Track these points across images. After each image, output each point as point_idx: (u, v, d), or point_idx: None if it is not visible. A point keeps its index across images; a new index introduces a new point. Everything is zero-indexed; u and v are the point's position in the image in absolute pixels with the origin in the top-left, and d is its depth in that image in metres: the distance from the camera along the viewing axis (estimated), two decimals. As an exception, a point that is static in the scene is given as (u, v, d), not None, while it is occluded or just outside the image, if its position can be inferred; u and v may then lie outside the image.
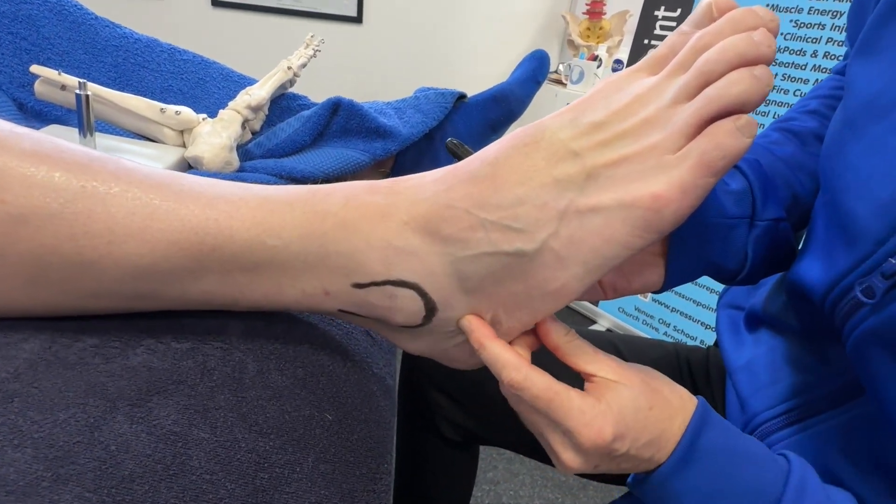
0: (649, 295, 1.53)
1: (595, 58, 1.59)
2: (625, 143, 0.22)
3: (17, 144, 0.22)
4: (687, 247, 0.33)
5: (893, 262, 0.24)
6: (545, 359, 0.28)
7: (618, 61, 1.60)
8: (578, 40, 1.68)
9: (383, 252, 0.24)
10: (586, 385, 0.27)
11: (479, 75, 1.86)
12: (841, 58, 1.12)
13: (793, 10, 1.15)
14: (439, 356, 0.29)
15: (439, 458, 0.58)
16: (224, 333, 0.27)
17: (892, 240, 0.25)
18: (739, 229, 0.34)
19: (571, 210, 0.23)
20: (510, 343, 0.27)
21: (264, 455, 0.22)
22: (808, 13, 1.13)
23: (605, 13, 1.69)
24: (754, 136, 0.21)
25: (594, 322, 1.74)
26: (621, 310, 1.63)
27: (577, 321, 1.75)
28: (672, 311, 1.49)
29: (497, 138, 0.64)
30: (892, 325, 0.25)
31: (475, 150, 0.63)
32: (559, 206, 0.23)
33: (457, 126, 0.54)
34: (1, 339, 0.23)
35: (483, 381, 0.49)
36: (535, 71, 0.54)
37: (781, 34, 1.17)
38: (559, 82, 1.69)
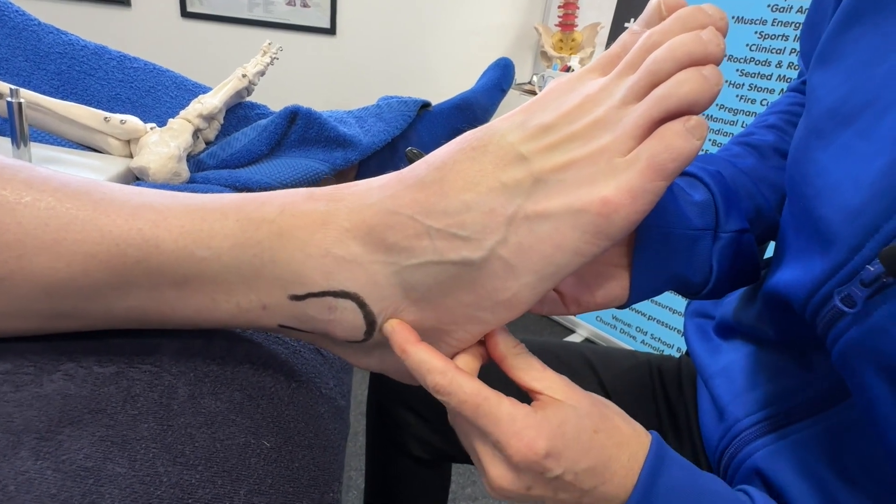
0: (626, 304, 1.53)
1: (568, 69, 1.60)
2: (574, 146, 0.21)
3: None
4: (651, 259, 0.32)
5: (871, 269, 0.24)
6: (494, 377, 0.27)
7: (590, 72, 1.62)
8: (551, 52, 1.69)
9: (322, 261, 0.22)
10: (532, 404, 0.25)
11: (453, 87, 1.86)
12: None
13: (757, 22, 1.17)
14: (393, 373, 0.27)
15: (409, 477, 0.56)
16: (155, 354, 0.25)
17: (868, 246, 0.24)
18: (703, 241, 0.33)
19: (520, 216, 0.21)
20: (457, 354, 0.25)
21: (188, 489, 0.20)
22: (772, 25, 1.15)
23: (577, 25, 1.71)
24: (704, 137, 0.20)
25: (572, 332, 1.73)
26: (599, 318, 1.63)
27: (556, 331, 1.74)
28: (649, 319, 1.50)
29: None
30: (877, 335, 0.24)
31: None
32: (507, 212, 0.21)
33: (421, 135, 0.53)
34: None
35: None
36: (499, 79, 0.53)
37: (747, 45, 1.19)
38: (532, 93, 1.70)
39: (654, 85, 0.20)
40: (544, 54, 1.72)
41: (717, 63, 0.20)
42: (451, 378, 0.23)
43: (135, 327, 0.24)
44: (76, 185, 0.22)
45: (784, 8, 1.13)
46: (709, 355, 0.42)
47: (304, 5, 1.67)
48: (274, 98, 1.83)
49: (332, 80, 1.79)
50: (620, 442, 0.25)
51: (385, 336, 0.24)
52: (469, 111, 0.53)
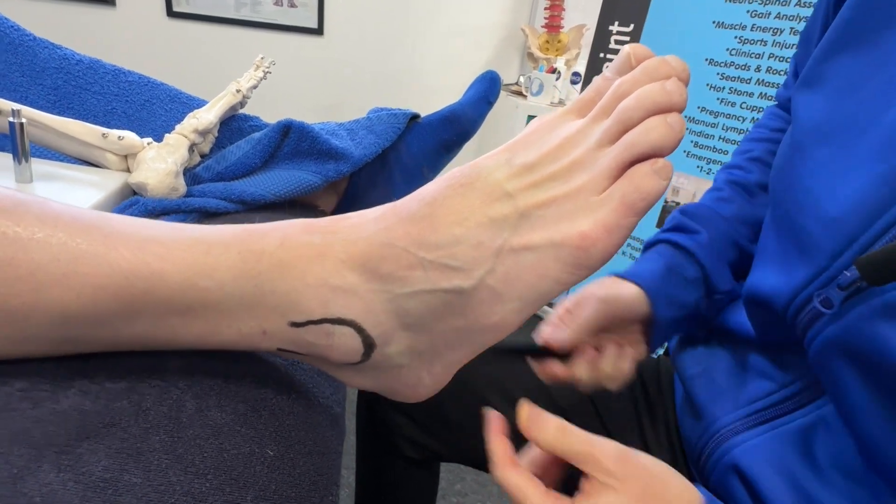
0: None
1: (554, 70, 1.62)
2: (554, 185, 0.23)
3: None
4: (665, 334, 0.43)
5: (848, 274, 0.27)
6: None
7: (576, 74, 1.64)
8: (538, 53, 1.71)
9: (319, 291, 0.24)
10: (582, 481, 0.27)
11: (441, 87, 1.88)
12: (783, 73, 1.18)
13: (737, 27, 1.20)
14: (383, 390, 0.29)
15: (400, 477, 0.58)
16: (162, 370, 0.26)
17: (846, 254, 0.27)
18: (699, 305, 0.43)
19: (506, 248, 0.23)
20: None
21: (200, 497, 0.22)
22: (751, 30, 1.18)
23: (562, 27, 1.73)
24: (670, 178, 0.22)
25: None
26: (585, 316, 1.66)
27: (543, 328, 1.77)
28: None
29: (451, 158, 0.65)
30: (850, 332, 0.27)
31: (430, 169, 0.63)
32: (494, 245, 0.23)
33: (410, 146, 0.55)
34: (-82, 388, 0.22)
35: (441, 401, 0.50)
36: (486, 91, 0.55)
37: (727, 50, 1.22)
38: (520, 94, 1.72)
39: (625, 130, 0.22)
40: (531, 55, 1.74)
41: (681, 111, 0.22)
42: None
43: (140, 349, 0.26)
44: (86, 219, 0.23)
45: (763, 14, 1.16)
46: (689, 357, 0.45)
47: (292, 5, 1.67)
48: (262, 98, 1.83)
49: (320, 80, 1.79)
50: None
51: (385, 359, 0.25)
52: (457, 123, 0.55)
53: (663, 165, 0.22)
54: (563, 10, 1.72)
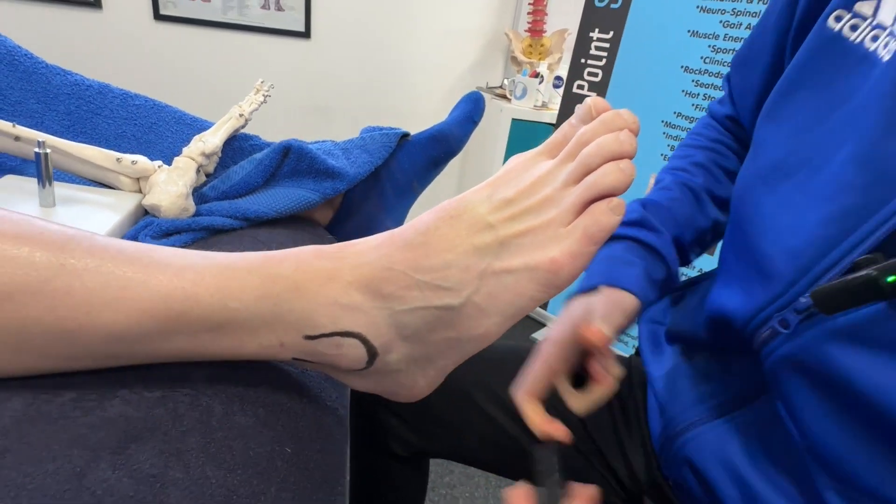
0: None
1: (537, 75, 1.67)
2: (529, 218, 0.27)
3: None
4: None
5: (804, 301, 0.31)
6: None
7: (558, 78, 1.68)
8: (521, 57, 1.76)
9: (330, 308, 0.28)
10: None
11: (426, 89, 1.91)
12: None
13: (710, 37, 1.25)
14: (383, 392, 0.33)
15: (392, 474, 0.62)
16: (190, 380, 0.30)
17: (802, 281, 0.31)
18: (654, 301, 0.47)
19: (489, 272, 0.28)
20: None
21: (233, 488, 0.26)
22: (724, 39, 1.24)
23: (545, 31, 1.78)
24: (623, 214, 0.26)
25: (543, 325, 1.82)
26: (568, 313, 1.71)
27: (529, 325, 1.83)
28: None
29: (438, 172, 0.69)
30: (803, 350, 0.31)
31: (419, 184, 0.67)
32: (479, 269, 0.27)
33: (401, 163, 0.59)
34: (-15, 399, 0.26)
35: (429, 402, 0.54)
36: (471, 111, 0.59)
37: (701, 58, 1.28)
38: (504, 97, 1.76)
39: (587, 172, 0.27)
40: (514, 59, 1.78)
41: (631, 157, 0.26)
42: None
43: (173, 361, 0.30)
44: (129, 251, 0.27)
45: (734, 24, 1.22)
46: (655, 360, 0.50)
47: (279, 9, 1.69)
48: (250, 101, 1.83)
49: (307, 83, 1.81)
50: None
51: (385, 366, 0.30)
52: (444, 142, 0.59)
53: (618, 203, 0.26)
54: (546, 14, 1.76)
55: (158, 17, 1.62)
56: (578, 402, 0.40)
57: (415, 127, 0.59)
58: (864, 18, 0.32)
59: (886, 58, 0.30)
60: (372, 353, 0.29)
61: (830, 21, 0.34)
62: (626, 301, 0.44)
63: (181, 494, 0.25)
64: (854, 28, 0.33)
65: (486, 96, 1.82)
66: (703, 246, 0.50)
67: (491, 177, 0.30)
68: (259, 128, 1.93)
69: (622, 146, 0.26)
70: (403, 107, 1.92)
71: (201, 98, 1.75)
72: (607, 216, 0.26)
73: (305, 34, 1.74)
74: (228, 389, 0.30)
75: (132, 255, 0.27)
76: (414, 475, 0.64)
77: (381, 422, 0.57)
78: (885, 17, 0.31)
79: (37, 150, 0.39)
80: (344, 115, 1.88)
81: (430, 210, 0.29)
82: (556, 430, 0.36)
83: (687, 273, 1.41)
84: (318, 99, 1.83)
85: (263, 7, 1.67)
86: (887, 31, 0.30)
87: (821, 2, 0.35)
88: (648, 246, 0.47)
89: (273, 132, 1.86)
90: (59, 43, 1.58)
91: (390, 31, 1.80)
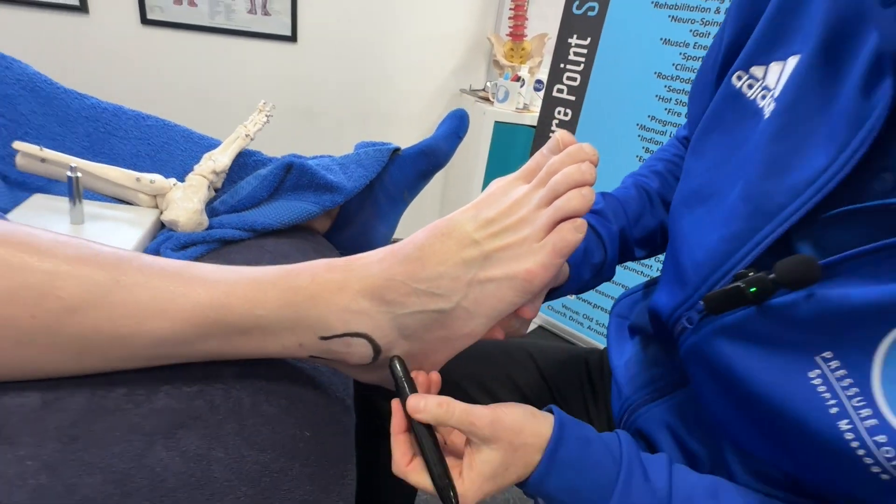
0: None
1: (518, 78, 1.72)
2: (508, 235, 0.33)
3: (63, 252, 0.30)
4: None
5: (700, 303, 0.37)
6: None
7: (538, 82, 1.74)
8: (503, 60, 1.81)
9: (341, 314, 0.33)
10: (466, 443, 0.35)
11: (411, 92, 1.95)
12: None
13: (681, 45, 1.32)
14: (385, 383, 0.38)
15: (388, 454, 0.68)
16: (222, 377, 0.35)
17: (702, 288, 0.38)
18: (585, 281, 0.51)
19: (475, 281, 0.33)
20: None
21: (265, 465, 0.31)
22: (694, 48, 1.31)
23: (526, 35, 1.83)
24: (584, 233, 0.32)
25: (527, 320, 1.88)
26: (550, 307, 1.78)
27: (512, 320, 1.89)
28: (594, 307, 1.66)
29: (426, 183, 0.75)
30: (700, 343, 0.38)
31: (409, 194, 0.73)
32: (467, 278, 0.33)
33: (393, 176, 0.64)
34: (53, 395, 0.31)
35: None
36: (457, 128, 0.64)
37: (673, 65, 1.34)
38: (487, 100, 1.82)
39: (555, 197, 0.33)
40: (496, 62, 1.84)
41: (591, 185, 0.32)
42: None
43: (206, 360, 0.35)
44: (171, 268, 0.32)
45: (704, 34, 1.28)
46: (618, 350, 0.56)
47: (266, 13, 1.72)
48: (237, 105, 1.87)
49: (293, 85, 1.84)
50: (528, 462, 0.34)
51: (386, 360, 0.35)
52: (432, 156, 0.64)
53: (581, 223, 0.32)
54: (527, 19, 1.81)
55: (146, 21, 1.64)
56: None
57: (400, 128, 0.63)
58: (757, 80, 0.38)
59: (767, 114, 0.36)
60: (377, 350, 0.34)
61: (734, 79, 0.40)
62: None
63: (224, 470, 0.30)
64: (750, 87, 0.39)
65: (470, 99, 1.88)
66: (653, 246, 0.56)
67: (475, 198, 0.36)
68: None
69: (584, 175, 0.32)
70: (388, 109, 1.96)
71: (189, 101, 1.77)
72: (572, 234, 0.32)
73: (292, 38, 1.77)
74: (255, 384, 0.35)
75: (174, 272, 0.32)
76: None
77: (378, 408, 0.63)
78: (770, 80, 0.37)
79: (69, 173, 0.43)
80: (330, 117, 1.92)
81: (424, 228, 0.35)
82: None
83: (651, 274, 1.49)
84: (304, 101, 1.87)
85: (250, 12, 1.70)
86: (770, 92, 0.37)
87: (730, 60, 0.42)
88: (595, 230, 0.51)
89: (261, 134, 1.88)
90: (47, 48, 1.59)
91: (375, 35, 1.84)
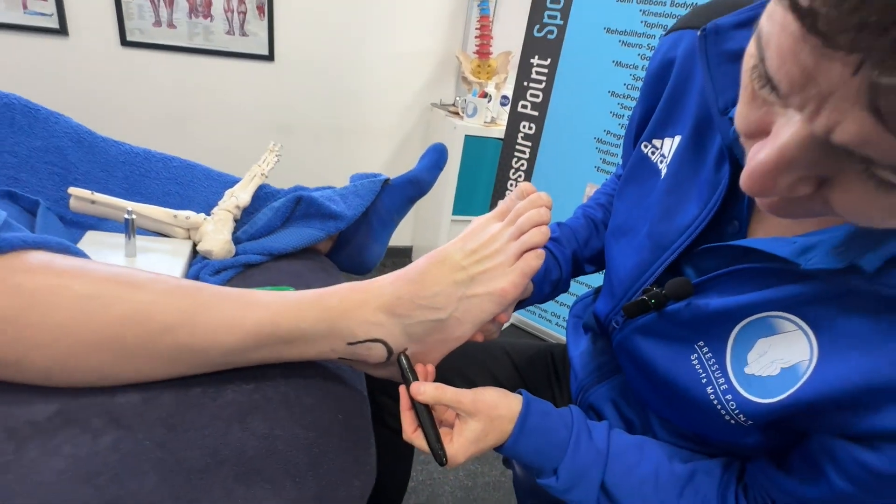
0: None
1: (485, 94, 1.84)
2: (487, 262, 0.45)
3: (156, 286, 0.40)
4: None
5: (621, 311, 0.50)
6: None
7: (504, 97, 1.87)
8: (470, 77, 1.93)
9: (364, 325, 0.44)
10: (455, 417, 0.47)
11: (384, 107, 2.06)
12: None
13: (631, 67, 1.47)
14: (392, 377, 0.49)
15: (387, 442, 0.79)
16: (271, 376, 0.45)
17: (624, 299, 0.51)
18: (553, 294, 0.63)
19: (463, 297, 0.44)
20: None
21: (313, 441, 0.42)
22: (641, 70, 1.45)
23: (492, 53, 1.96)
24: (544, 259, 0.44)
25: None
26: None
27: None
28: (561, 305, 1.80)
29: (411, 207, 0.86)
30: (624, 340, 0.50)
31: (398, 217, 0.84)
32: (457, 295, 0.44)
33: (384, 202, 0.75)
34: (148, 395, 0.40)
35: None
36: (437, 160, 0.75)
37: (625, 84, 1.49)
38: (457, 114, 1.93)
39: (522, 234, 0.44)
40: (465, 79, 1.96)
41: (548, 223, 0.44)
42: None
43: (257, 364, 0.45)
44: (233, 294, 0.42)
45: (650, 57, 1.43)
46: (574, 344, 0.68)
47: (244, 34, 1.79)
48: (217, 122, 1.93)
49: (272, 102, 1.92)
50: (503, 429, 0.46)
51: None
52: (418, 185, 0.75)
53: (541, 252, 0.44)
54: (492, 38, 1.94)
55: (125, 42, 1.69)
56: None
57: (374, 141, 0.72)
58: (657, 149, 0.51)
59: (663, 175, 0.49)
60: (390, 352, 0.45)
61: (643, 146, 0.53)
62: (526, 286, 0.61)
63: (285, 445, 0.40)
64: (653, 153, 0.52)
65: (440, 113, 1.99)
66: (599, 263, 0.69)
67: (462, 233, 0.47)
68: (228, 146, 2.00)
69: (542, 217, 0.44)
70: (363, 123, 2.05)
71: (170, 120, 1.83)
72: (535, 260, 0.44)
73: (269, 57, 1.84)
74: (297, 381, 0.46)
75: (236, 297, 0.42)
76: (404, 444, 0.81)
77: (378, 402, 0.73)
78: (665, 150, 0.50)
79: (126, 216, 0.53)
80: (307, 132, 2.00)
81: (423, 256, 0.46)
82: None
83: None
84: (282, 117, 1.94)
85: (228, 32, 1.77)
86: (665, 159, 0.50)
87: (641, 130, 0.55)
88: (553, 255, 0.65)
89: (241, 149, 1.94)
90: (27, 70, 1.63)
91: (349, 53, 1.93)
